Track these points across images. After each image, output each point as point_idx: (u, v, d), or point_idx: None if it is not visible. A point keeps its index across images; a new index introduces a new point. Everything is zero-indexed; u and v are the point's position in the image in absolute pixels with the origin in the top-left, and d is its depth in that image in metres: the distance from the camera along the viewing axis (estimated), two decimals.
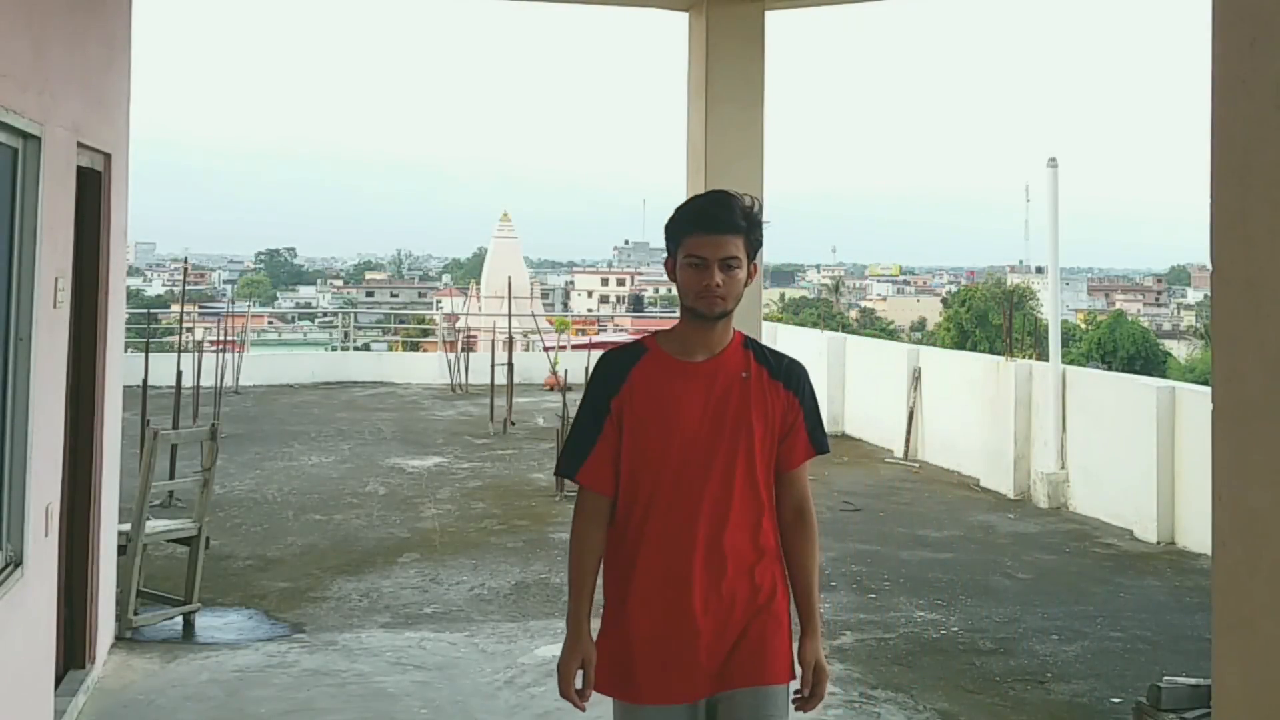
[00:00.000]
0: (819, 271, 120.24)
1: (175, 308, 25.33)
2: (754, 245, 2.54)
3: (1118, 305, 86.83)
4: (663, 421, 2.53)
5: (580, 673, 2.57)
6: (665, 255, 2.64)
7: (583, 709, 2.62)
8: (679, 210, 2.59)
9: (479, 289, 26.06)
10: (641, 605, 2.52)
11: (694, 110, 6.79)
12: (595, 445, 2.56)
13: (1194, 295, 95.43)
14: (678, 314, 2.61)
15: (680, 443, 2.51)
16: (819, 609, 2.67)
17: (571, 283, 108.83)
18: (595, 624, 2.64)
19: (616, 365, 2.60)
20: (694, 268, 2.49)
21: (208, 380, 12.78)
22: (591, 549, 2.58)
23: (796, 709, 2.61)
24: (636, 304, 75.53)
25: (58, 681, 4.55)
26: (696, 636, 2.48)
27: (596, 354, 16.16)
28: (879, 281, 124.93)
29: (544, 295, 51.10)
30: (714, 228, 2.49)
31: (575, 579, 2.60)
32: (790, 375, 2.61)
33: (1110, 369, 28.72)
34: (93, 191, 4.95)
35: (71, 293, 4.44)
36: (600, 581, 2.63)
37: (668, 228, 2.59)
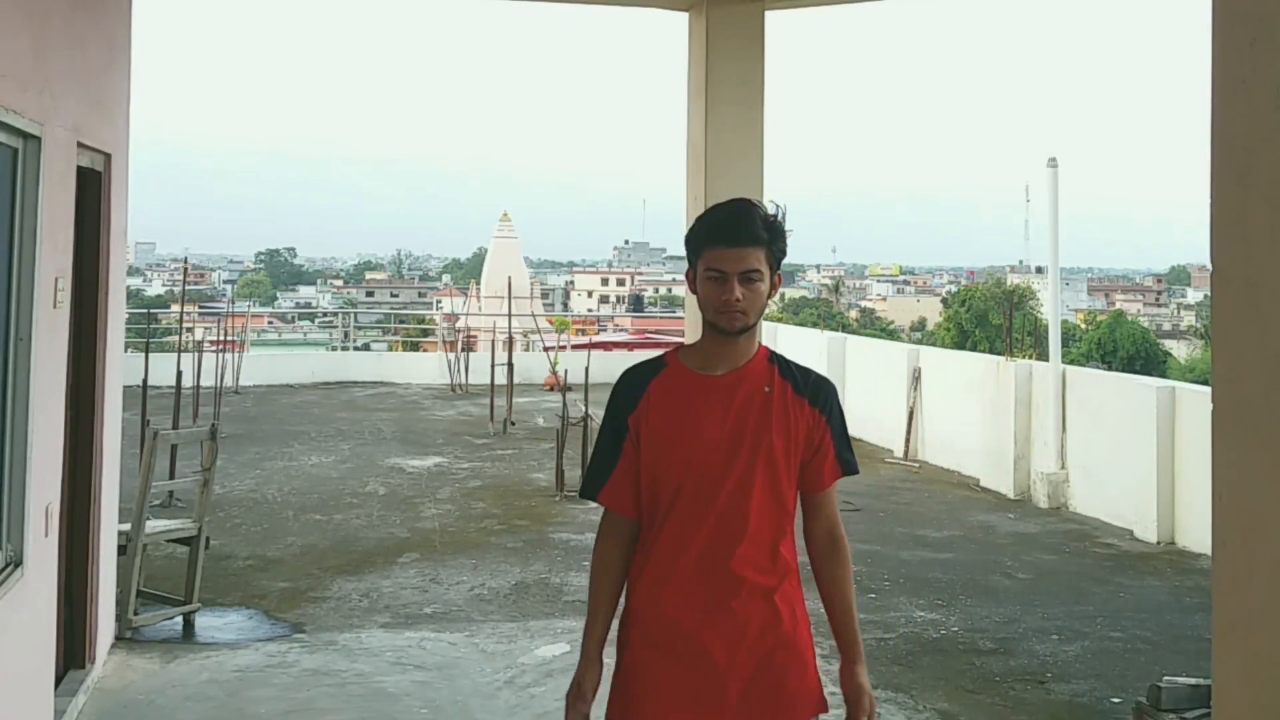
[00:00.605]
0: (819, 271, 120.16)
1: (175, 308, 25.33)
2: (777, 256, 2.42)
3: (1118, 305, 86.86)
4: (678, 436, 2.42)
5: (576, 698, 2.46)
6: (686, 266, 2.53)
7: None
8: (699, 221, 2.47)
9: (479, 289, 26.01)
10: (641, 622, 2.44)
11: (694, 110, 6.79)
12: (616, 466, 2.47)
13: (1194, 295, 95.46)
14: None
15: (696, 456, 2.40)
16: (859, 632, 2.56)
17: (571, 283, 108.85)
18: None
19: (634, 382, 2.50)
20: (714, 281, 2.38)
21: (208, 380, 12.79)
22: (607, 570, 2.49)
23: None
24: (636, 304, 75.64)
25: (58, 681, 4.55)
26: (700, 658, 2.36)
27: (596, 354, 16.08)
28: (879, 281, 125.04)
29: (544, 295, 51.05)
30: (734, 240, 2.37)
31: (591, 601, 2.50)
32: (817, 392, 2.48)
33: (1110, 369, 28.69)
34: (93, 191, 4.95)
35: (71, 293, 4.44)
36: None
37: (688, 239, 2.47)
